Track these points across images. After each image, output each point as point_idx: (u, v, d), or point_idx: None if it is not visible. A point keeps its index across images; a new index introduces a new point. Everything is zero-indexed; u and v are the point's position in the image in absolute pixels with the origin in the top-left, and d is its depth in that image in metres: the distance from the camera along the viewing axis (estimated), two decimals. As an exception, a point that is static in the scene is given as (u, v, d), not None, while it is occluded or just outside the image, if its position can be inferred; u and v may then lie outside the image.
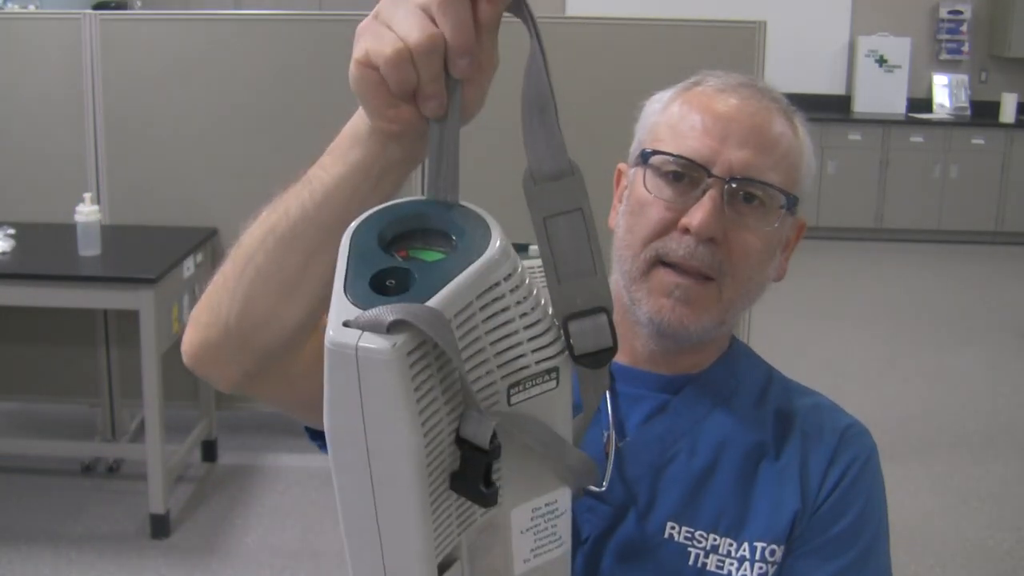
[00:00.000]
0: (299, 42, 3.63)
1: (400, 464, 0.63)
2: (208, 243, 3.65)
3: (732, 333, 1.10)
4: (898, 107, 7.74)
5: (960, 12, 7.75)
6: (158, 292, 3.10)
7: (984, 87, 7.84)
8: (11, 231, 3.36)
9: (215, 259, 3.72)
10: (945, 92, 7.78)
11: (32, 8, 5.90)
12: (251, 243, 0.79)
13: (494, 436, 0.63)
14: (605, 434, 0.98)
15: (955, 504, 3.70)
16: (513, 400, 0.67)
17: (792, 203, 0.97)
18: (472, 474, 0.64)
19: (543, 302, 0.68)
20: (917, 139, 7.47)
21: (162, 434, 3.22)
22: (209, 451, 3.82)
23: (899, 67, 7.74)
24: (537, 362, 0.67)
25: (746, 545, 0.95)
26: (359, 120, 0.73)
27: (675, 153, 0.95)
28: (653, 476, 0.97)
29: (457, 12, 0.63)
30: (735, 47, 3.58)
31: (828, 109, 7.72)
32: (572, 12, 7.63)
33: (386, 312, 0.59)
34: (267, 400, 0.89)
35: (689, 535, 0.95)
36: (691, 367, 1.02)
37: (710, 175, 0.93)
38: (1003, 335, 5.59)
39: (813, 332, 5.56)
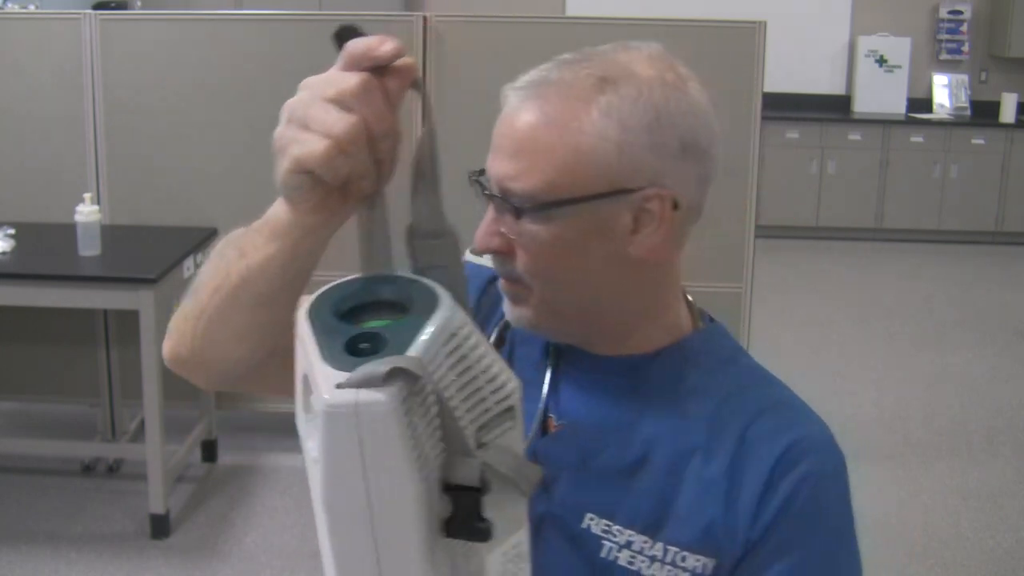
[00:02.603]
0: (299, 42, 3.63)
1: (404, 515, 0.66)
2: (208, 243, 3.64)
3: (704, 320, 1.07)
4: (898, 107, 7.74)
5: (960, 12, 7.74)
6: (158, 292, 3.10)
7: (984, 87, 7.84)
8: (11, 231, 3.36)
9: (215, 259, 3.72)
10: (945, 92, 7.78)
11: (32, 8, 5.90)
12: (204, 293, 0.89)
13: (482, 472, 0.67)
14: (540, 410, 0.99)
15: (955, 504, 3.70)
16: (481, 443, 0.70)
17: (550, 204, 0.90)
18: (466, 514, 0.68)
19: (491, 347, 0.72)
20: (917, 139, 7.47)
21: (162, 434, 3.22)
22: (209, 451, 3.82)
23: (899, 67, 7.74)
24: (497, 402, 0.70)
25: (660, 546, 0.93)
26: (281, 212, 0.81)
27: (472, 171, 0.97)
28: (579, 464, 0.97)
29: (374, 100, 0.73)
30: (735, 47, 3.59)
31: (828, 109, 7.72)
32: (572, 12, 7.63)
33: (378, 366, 0.63)
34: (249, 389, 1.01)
35: (607, 528, 0.94)
36: (634, 348, 1.00)
37: (484, 191, 0.94)
38: (1003, 335, 5.59)
39: (813, 332, 5.56)
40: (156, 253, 3.35)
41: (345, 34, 0.77)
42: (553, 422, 1.00)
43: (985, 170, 7.44)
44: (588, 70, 0.91)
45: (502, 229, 0.93)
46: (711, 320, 1.09)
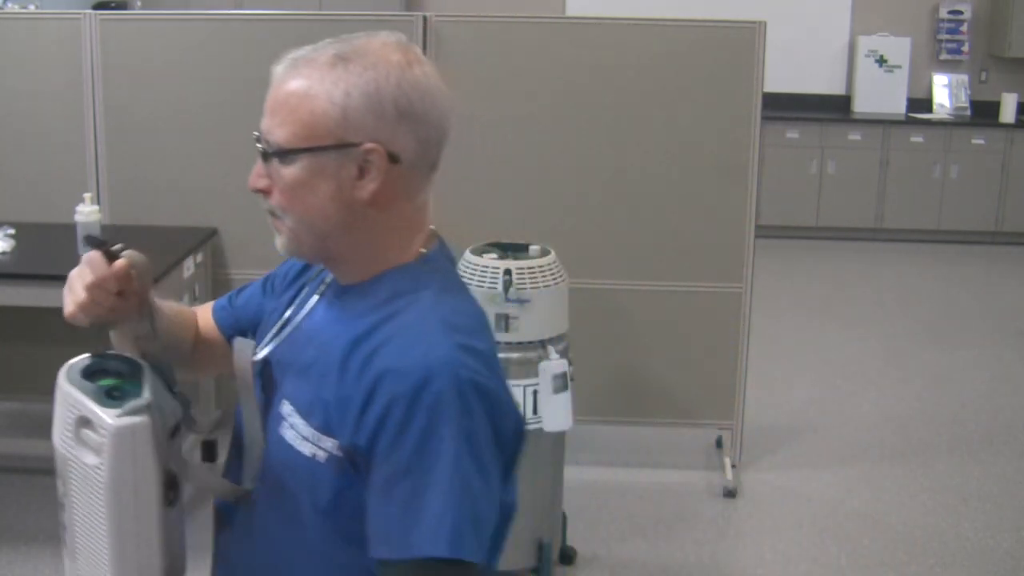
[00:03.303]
0: (299, 42, 3.62)
1: (154, 491, 1.14)
2: (208, 243, 3.65)
3: (410, 257, 1.24)
4: (898, 107, 7.73)
5: (960, 12, 7.74)
6: (158, 292, 3.09)
7: (984, 87, 7.84)
8: (11, 231, 3.37)
9: (215, 259, 3.72)
10: (945, 92, 7.77)
11: (32, 8, 5.90)
12: None
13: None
14: (295, 321, 1.29)
15: (955, 504, 3.70)
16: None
17: (290, 151, 1.16)
18: (171, 491, 1.17)
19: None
20: (917, 139, 7.47)
21: (162, 434, 3.22)
22: (209, 451, 3.81)
23: (899, 67, 7.73)
24: (173, 418, 1.21)
25: (310, 429, 1.18)
26: None
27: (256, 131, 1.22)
28: (291, 360, 1.26)
29: (99, 290, 1.19)
30: (735, 47, 3.59)
31: (828, 109, 7.72)
32: (572, 12, 7.63)
33: (138, 403, 1.13)
34: None
35: (290, 411, 1.21)
36: (351, 278, 1.24)
37: (257, 142, 1.20)
38: (1003, 335, 5.59)
39: (813, 332, 5.56)
40: (156, 253, 3.32)
41: (92, 241, 1.21)
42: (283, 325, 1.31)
43: (985, 170, 7.44)
44: (333, 51, 1.18)
45: (264, 173, 1.20)
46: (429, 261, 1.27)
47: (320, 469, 1.16)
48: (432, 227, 1.27)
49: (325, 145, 1.15)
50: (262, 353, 1.29)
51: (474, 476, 1.09)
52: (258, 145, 1.20)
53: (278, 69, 1.20)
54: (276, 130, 1.17)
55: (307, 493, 1.18)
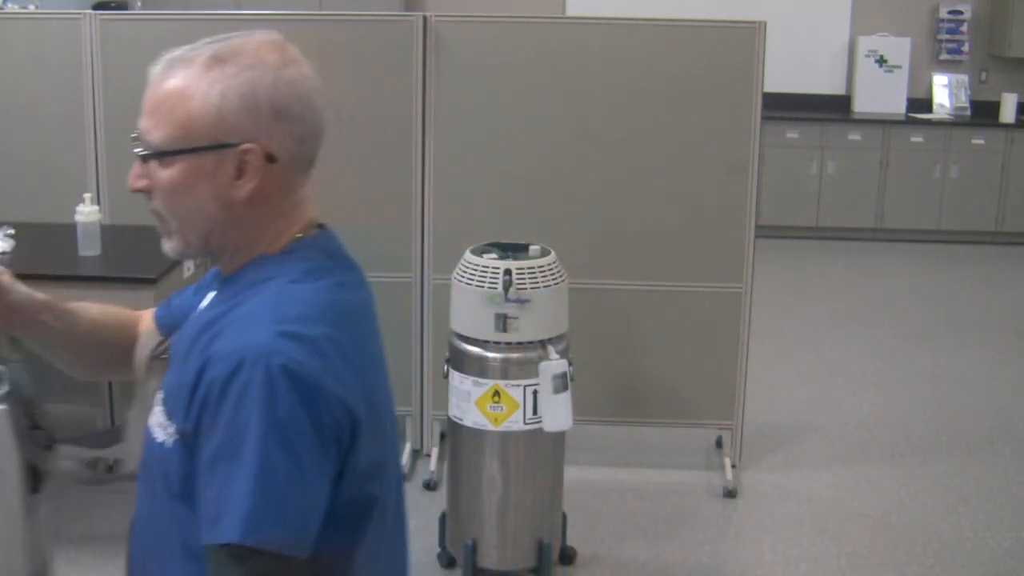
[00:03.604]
0: (299, 42, 3.62)
1: (16, 477, 1.27)
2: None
3: (283, 249, 1.24)
4: (898, 107, 7.73)
5: (960, 12, 7.74)
6: (158, 292, 3.10)
7: (984, 87, 7.84)
8: (11, 231, 3.36)
9: (215, 259, 3.72)
10: (945, 92, 7.77)
11: (32, 8, 5.89)
12: None
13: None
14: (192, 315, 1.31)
15: (955, 504, 3.70)
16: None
17: (167, 152, 1.17)
18: (35, 479, 1.30)
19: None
20: (917, 139, 7.47)
21: (162, 434, 3.21)
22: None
23: (899, 67, 7.73)
24: (41, 418, 1.35)
25: (163, 415, 1.20)
26: None
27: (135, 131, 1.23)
28: (174, 352, 1.27)
29: None
30: (735, 47, 3.59)
31: (828, 109, 7.72)
32: (572, 12, 7.64)
33: None
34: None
35: (159, 399, 1.23)
36: (228, 270, 1.27)
37: (136, 142, 1.21)
38: (1003, 335, 5.59)
39: (813, 332, 5.56)
40: (156, 253, 3.30)
41: None
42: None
43: (985, 170, 7.44)
44: (209, 51, 1.20)
45: (143, 173, 1.21)
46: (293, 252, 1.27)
47: (169, 454, 1.17)
48: (315, 218, 1.27)
49: (202, 146, 1.17)
50: (159, 349, 1.34)
51: (281, 464, 1.07)
52: (136, 147, 1.21)
53: (155, 70, 1.21)
54: (153, 131, 1.19)
55: (162, 478, 1.19)
